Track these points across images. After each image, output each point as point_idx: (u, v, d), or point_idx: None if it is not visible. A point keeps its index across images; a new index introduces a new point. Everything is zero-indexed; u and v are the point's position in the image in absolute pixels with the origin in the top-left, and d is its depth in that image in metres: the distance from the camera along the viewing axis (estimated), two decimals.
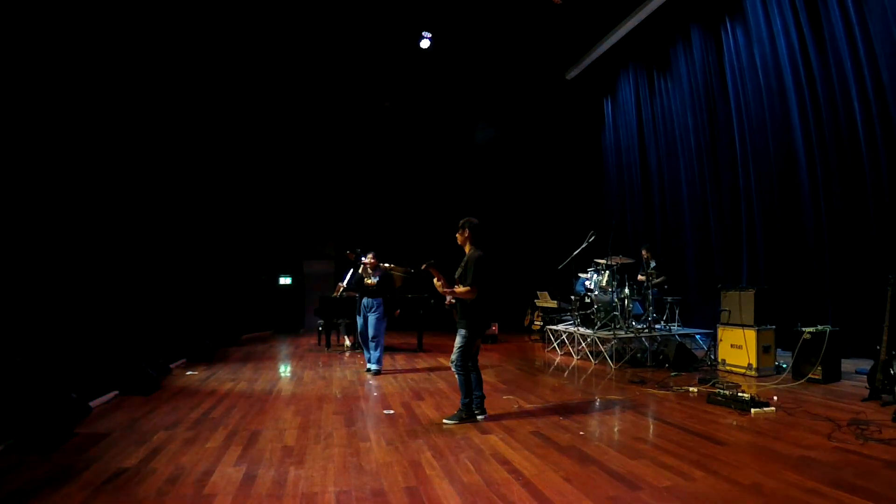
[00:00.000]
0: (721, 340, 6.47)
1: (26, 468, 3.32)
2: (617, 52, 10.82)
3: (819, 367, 5.36)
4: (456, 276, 4.45)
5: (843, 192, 6.59)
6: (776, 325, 6.19)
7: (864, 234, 6.37)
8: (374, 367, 6.73)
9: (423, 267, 4.51)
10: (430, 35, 10.30)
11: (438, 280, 4.44)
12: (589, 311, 8.03)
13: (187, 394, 5.58)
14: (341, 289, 9.27)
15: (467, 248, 4.51)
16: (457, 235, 4.54)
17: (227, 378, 6.49)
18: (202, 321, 9.00)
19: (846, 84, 6.45)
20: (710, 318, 7.92)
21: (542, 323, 10.39)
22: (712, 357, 6.83)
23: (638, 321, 7.82)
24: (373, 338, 6.77)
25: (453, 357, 4.39)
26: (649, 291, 7.64)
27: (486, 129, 13.09)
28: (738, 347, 6.19)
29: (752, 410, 4.34)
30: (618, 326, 7.31)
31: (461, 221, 4.53)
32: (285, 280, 13.47)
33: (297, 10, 9.36)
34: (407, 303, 8.81)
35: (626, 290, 7.54)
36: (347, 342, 9.37)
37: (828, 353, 5.33)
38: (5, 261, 4.45)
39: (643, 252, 8.26)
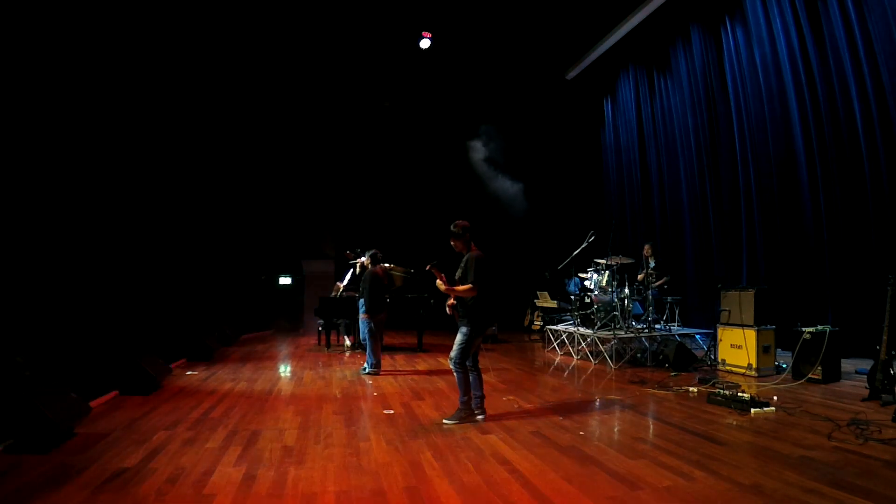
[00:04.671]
0: (721, 340, 6.46)
1: (26, 468, 3.32)
2: (617, 52, 10.82)
3: (819, 367, 5.35)
4: (456, 277, 4.45)
5: (843, 193, 6.59)
6: (776, 325, 6.18)
7: (864, 234, 6.38)
8: (364, 368, 6.74)
9: (427, 268, 4.50)
10: (430, 35, 10.30)
11: (441, 281, 4.45)
12: (589, 311, 8.03)
13: (187, 394, 5.58)
14: (340, 288, 9.27)
15: (465, 251, 4.51)
16: (453, 244, 4.51)
17: (227, 378, 6.49)
18: (202, 321, 8.99)
19: (846, 84, 6.45)
20: (710, 318, 7.92)
21: (542, 323, 10.39)
22: (712, 357, 6.83)
23: (638, 321, 7.82)
24: (362, 339, 6.77)
25: (452, 354, 4.39)
26: (649, 291, 7.63)
27: None
28: (737, 347, 6.19)
29: (752, 410, 4.34)
30: (618, 326, 7.31)
31: (453, 230, 4.46)
32: (285, 280, 13.47)
33: (297, 10, 9.36)
34: (407, 303, 8.81)
35: (626, 290, 7.54)
36: (347, 342, 9.37)
37: (828, 353, 5.33)
38: (6, 261, 4.45)
39: (645, 248, 8.24)
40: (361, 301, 6.86)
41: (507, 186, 12.67)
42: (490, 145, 12.84)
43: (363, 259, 7.02)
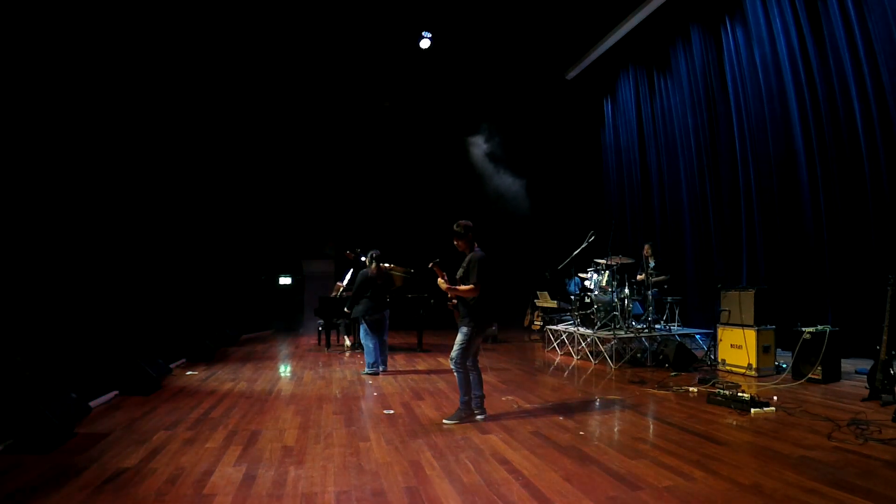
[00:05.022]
0: (721, 340, 6.46)
1: (26, 468, 3.32)
2: (617, 52, 10.82)
3: (819, 367, 5.35)
4: (458, 277, 4.46)
5: (843, 193, 6.59)
6: (776, 325, 6.18)
7: (864, 234, 6.37)
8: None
9: (429, 266, 4.50)
10: (430, 35, 10.30)
11: (443, 280, 4.45)
12: (589, 311, 8.02)
13: (187, 394, 5.58)
14: (340, 288, 9.27)
15: (468, 250, 4.52)
16: (456, 243, 4.52)
17: (227, 378, 6.49)
18: (202, 321, 8.99)
19: (846, 84, 6.45)
20: (710, 318, 7.93)
21: (542, 323, 10.39)
22: (712, 357, 6.83)
23: (638, 321, 7.82)
24: (362, 339, 6.80)
25: (453, 354, 4.39)
26: (649, 291, 7.63)
27: None
28: (737, 347, 6.19)
29: (752, 410, 4.34)
30: (618, 326, 7.31)
31: (456, 229, 4.47)
32: (285, 280, 13.46)
33: (297, 10, 9.36)
34: (407, 303, 8.81)
35: (626, 290, 7.54)
36: (347, 342, 9.37)
37: (828, 353, 5.33)
38: (5, 261, 4.45)
39: (645, 248, 8.24)
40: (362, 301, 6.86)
41: (508, 183, 12.70)
42: (491, 141, 12.87)
43: (365, 259, 7.04)
